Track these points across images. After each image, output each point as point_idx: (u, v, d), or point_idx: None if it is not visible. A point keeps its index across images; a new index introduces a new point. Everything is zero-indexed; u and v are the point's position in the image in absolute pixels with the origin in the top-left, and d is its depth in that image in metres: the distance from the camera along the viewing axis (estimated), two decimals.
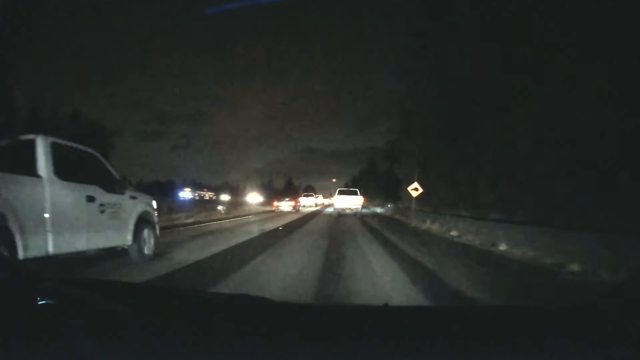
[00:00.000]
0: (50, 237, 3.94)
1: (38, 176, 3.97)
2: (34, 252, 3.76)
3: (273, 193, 47.02)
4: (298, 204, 28.08)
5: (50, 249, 3.95)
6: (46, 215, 3.93)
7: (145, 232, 5.58)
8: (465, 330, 0.98)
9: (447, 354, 0.84)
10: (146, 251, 5.58)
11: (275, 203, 27.32)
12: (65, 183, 4.20)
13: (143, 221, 5.53)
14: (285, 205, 25.97)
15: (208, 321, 1.00)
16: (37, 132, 4.20)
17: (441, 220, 13.01)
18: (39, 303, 0.99)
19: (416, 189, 16.71)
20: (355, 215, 19.46)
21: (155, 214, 6.05)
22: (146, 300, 1.20)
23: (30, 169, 3.96)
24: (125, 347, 0.84)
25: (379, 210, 30.32)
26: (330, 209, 24.97)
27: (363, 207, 21.36)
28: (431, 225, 13.40)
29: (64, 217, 4.15)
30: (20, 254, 3.60)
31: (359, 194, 21.01)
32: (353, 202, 20.23)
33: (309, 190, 47.24)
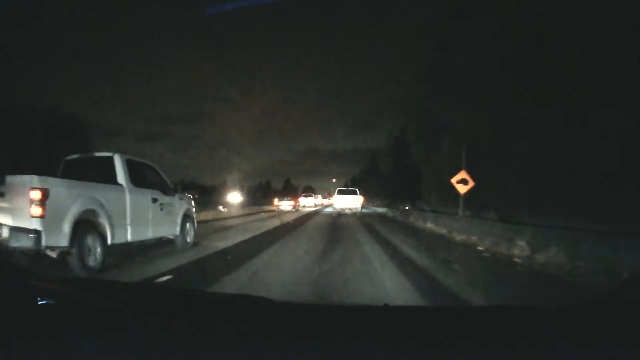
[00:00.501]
0: (129, 229, 5.18)
1: (119, 184, 5.21)
2: (118, 240, 4.95)
3: (272, 193, 47.48)
4: (297, 203, 29.44)
5: (129, 238, 5.21)
6: (127, 213, 5.16)
7: (188, 225, 6.91)
8: (465, 330, 0.98)
9: (447, 354, 0.84)
10: (188, 239, 6.90)
11: (276, 202, 28.43)
12: (138, 189, 5.46)
13: (187, 217, 6.88)
14: (286, 204, 27.09)
15: (208, 321, 1.00)
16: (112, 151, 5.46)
17: (561, 243, 5.89)
18: (39, 303, 0.99)
19: (464, 182, 10.91)
20: (355, 215, 19.44)
21: (194, 210, 7.42)
22: (146, 300, 1.20)
23: (111, 179, 5.18)
24: (125, 347, 0.84)
25: (381, 210, 29.94)
26: (329, 209, 24.98)
27: (363, 207, 21.35)
28: (540, 256, 6.10)
29: (138, 214, 5.40)
30: (109, 241, 4.80)
31: (358, 193, 21.02)
32: (353, 202, 20.23)
33: (308, 191, 47.71)
